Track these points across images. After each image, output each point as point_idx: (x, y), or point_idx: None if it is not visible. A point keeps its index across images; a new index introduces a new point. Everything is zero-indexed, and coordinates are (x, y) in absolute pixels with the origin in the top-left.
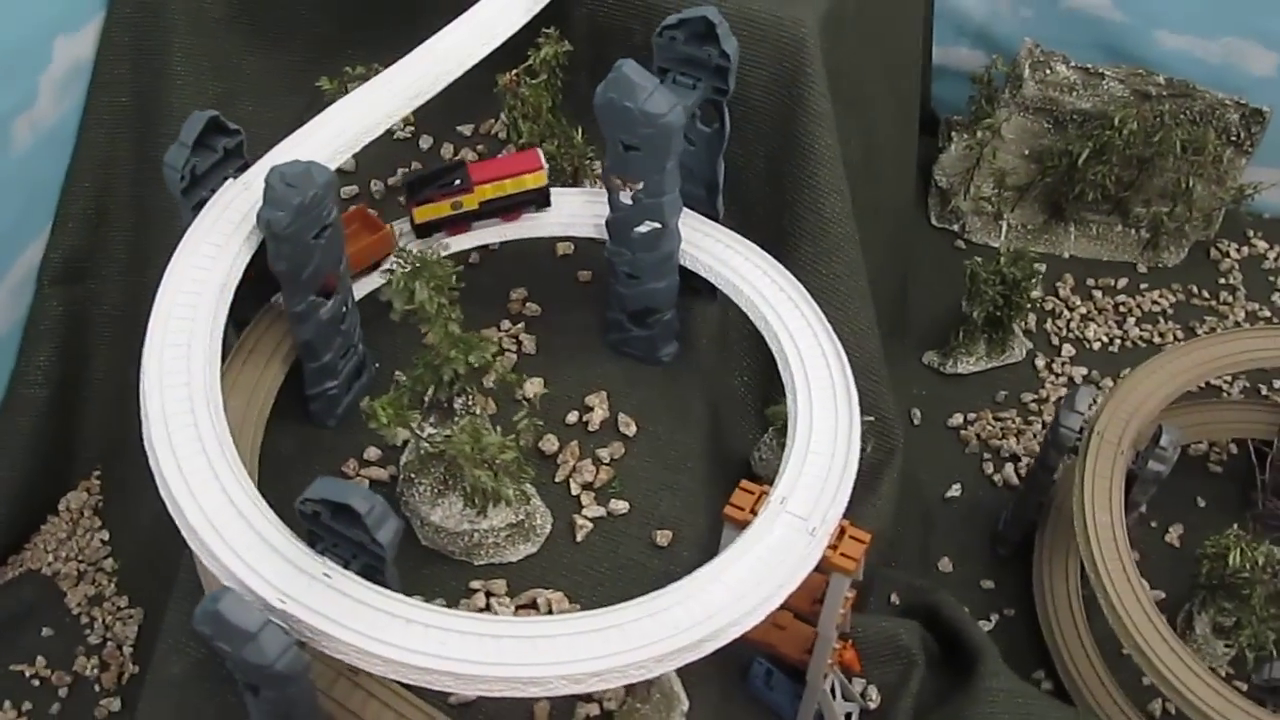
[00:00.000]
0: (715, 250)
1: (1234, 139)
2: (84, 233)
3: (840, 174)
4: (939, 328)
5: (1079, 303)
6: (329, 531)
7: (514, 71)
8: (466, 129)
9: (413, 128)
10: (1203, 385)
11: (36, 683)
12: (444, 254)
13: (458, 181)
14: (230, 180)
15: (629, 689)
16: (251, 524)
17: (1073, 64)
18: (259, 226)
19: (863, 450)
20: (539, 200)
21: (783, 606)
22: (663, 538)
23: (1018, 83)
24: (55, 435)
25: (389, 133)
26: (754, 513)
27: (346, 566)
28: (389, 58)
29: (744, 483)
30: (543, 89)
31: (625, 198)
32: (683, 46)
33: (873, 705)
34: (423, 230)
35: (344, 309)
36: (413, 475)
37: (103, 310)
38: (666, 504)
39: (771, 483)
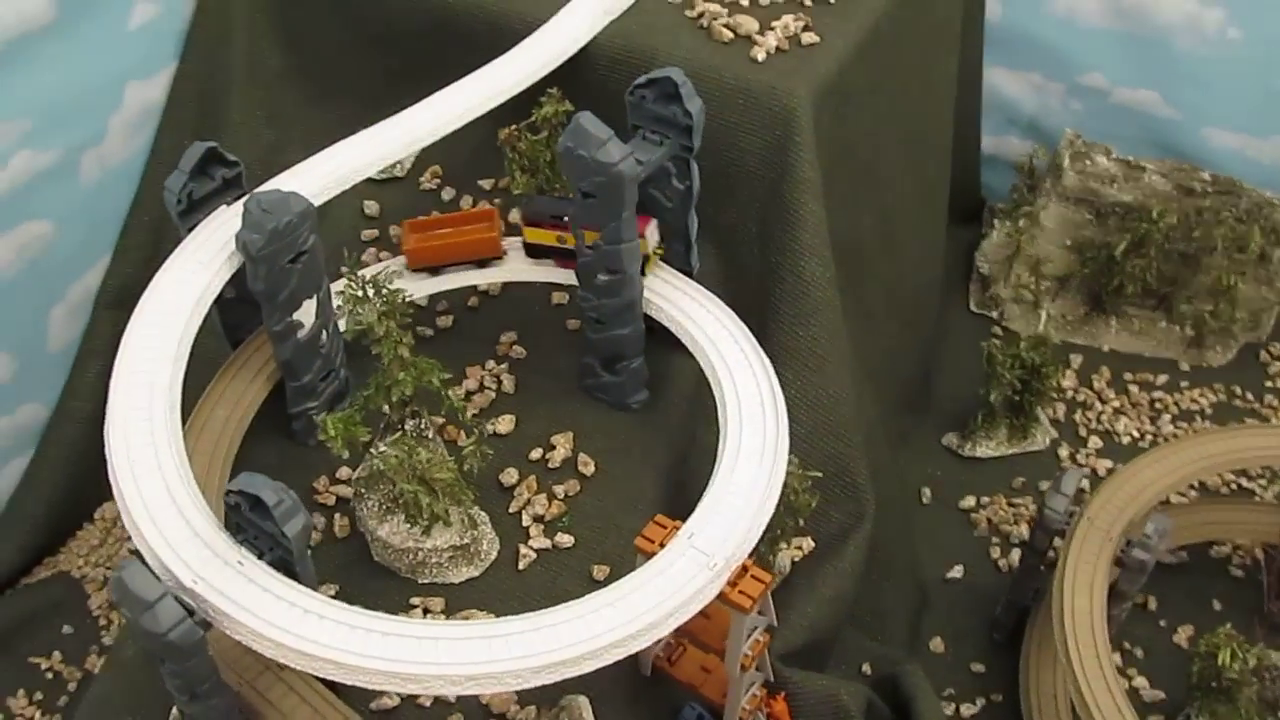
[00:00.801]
0: (676, 299)
1: None
2: (140, 263)
3: (824, 240)
4: (964, 411)
5: (1113, 396)
6: (249, 524)
7: (514, 127)
8: (487, 183)
9: (439, 179)
10: (1234, 486)
11: (50, 675)
12: (398, 282)
13: (567, 219)
14: (224, 207)
15: (540, 711)
16: (182, 510)
17: (1114, 156)
18: (239, 246)
19: (825, 512)
20: None
21: (706, 648)
22: (600, 572)
23: (1058, 172)
24: (97, 448)
25: (416, 182)
26: (662, 545)
27: (261, 557)
28: None
29: (659, 517)
30: (542, 144)
31: (588, 247)
32: (651, 105)
33: None
34: (532, 250)
35: (324, 333)
36: (363, 491)
37: None
38: (611, 541)
39: None
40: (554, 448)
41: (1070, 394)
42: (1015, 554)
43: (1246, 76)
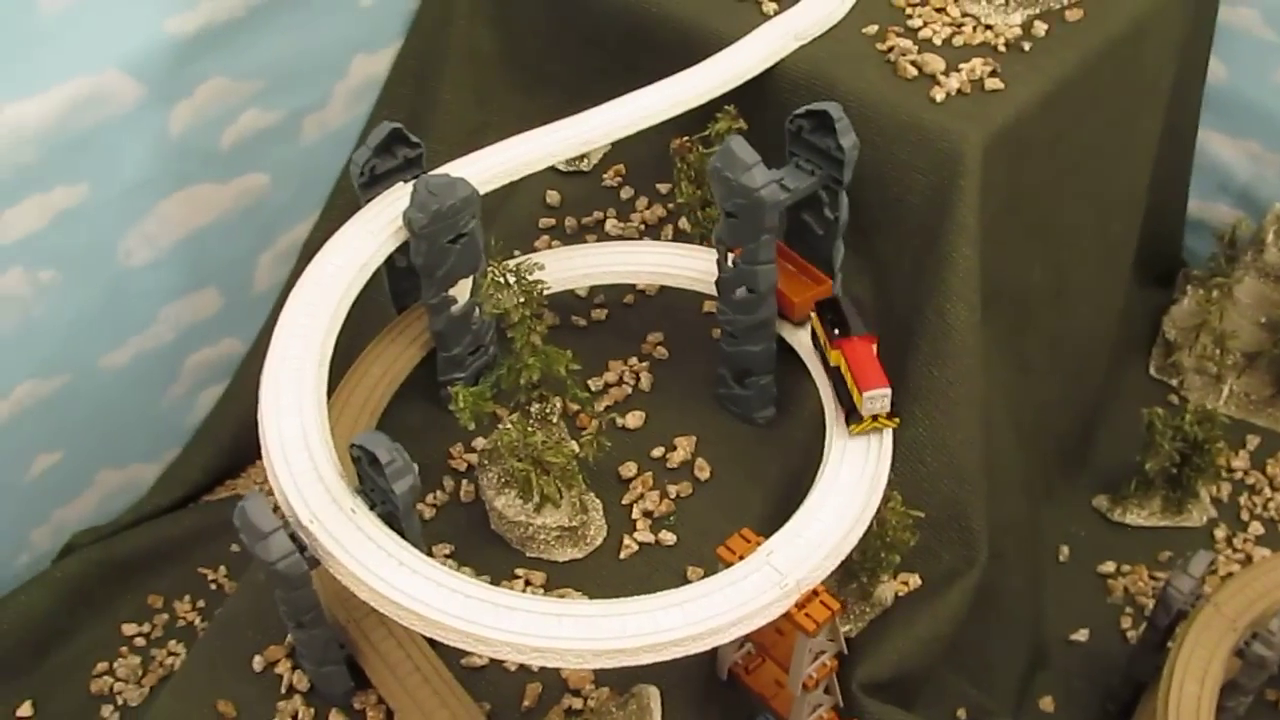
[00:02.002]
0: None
1: None
2: (344, 220)
3: (974, 287)
4: (1123, 476)
5: (1259, 476)
6: (368, 477)
7: (686, 138)
8: (664, 187)
9: (620, 178)
10: None
11: (214, 586)
12: (539, 271)
13: (837, 331)
14: (401, 184)
15: (612, 693)
16: (313, 453)
17: None
18: (405, 222)
19: (936, 553)
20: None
21: (780, 664)
22: (694, 574)
23: (1260, 246)
24: None
25: (599, 178)
26: (741, 557)
27: (372, 509)
28: None
29: (745, 531)
30: (709, 158)
31: (728, 262)
32: (809, 135)
33: None
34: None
35: (476, 310)
36: (485, 462)
37: None
38: (710, 546)
39: None
40: (675, 449)
41: (1240, 475)
42: (1140, 627)
43: None
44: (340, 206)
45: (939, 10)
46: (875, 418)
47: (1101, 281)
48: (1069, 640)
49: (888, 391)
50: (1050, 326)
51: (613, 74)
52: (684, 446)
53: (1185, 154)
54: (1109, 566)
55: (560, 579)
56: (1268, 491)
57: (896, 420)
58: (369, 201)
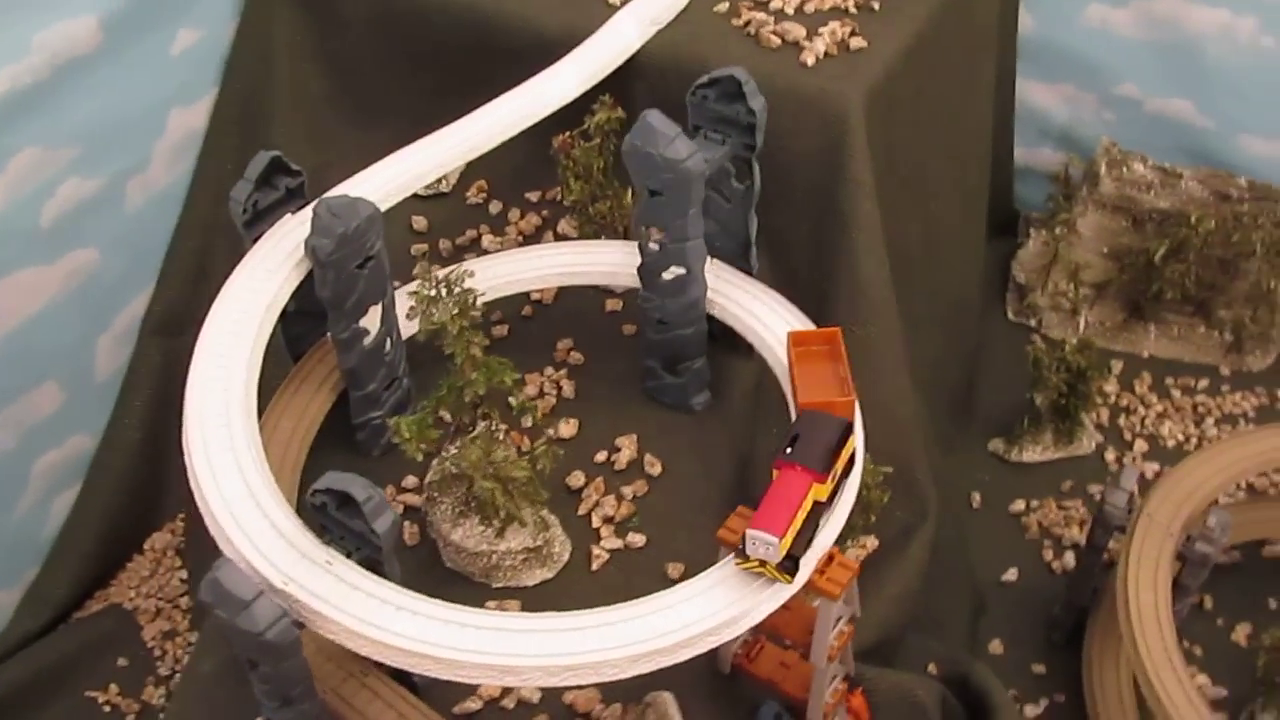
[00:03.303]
0: (739, 298)
1: None
2: (185, 289)
3: (879, 241)
4: (1008, 418)
5: (1155, 401)
6: (336, 524)
7: (568, 134)
8: (534, 195)
9: (485, 193)
10: None
11: (108, 709)
12: (468, 282)
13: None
14: (289, 215)
15: (625, 708)
16: (266, 513)
17: (1150, 163)
18: (306, 253)
19: (890, 512)
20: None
21: (785, 644)
22: (674, 570)
23: (1095, 180)
24: (146, 477)
25: (462, 197)
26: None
27: (349, 557)
28: None
29: (741, 508)
30: (594, 152)
31: (653, 244)
32: (713, 105)
33: None
34: None
35: (388, 341)
36: (435, 495)
37: None
38: (682, 540)
39: None
40: (619, 450)
41: (1113, 399)
42: (1069, 556)
43: None
44: (178, 274)
45: None
46: (764, 564)
47: (965, 232)
48: (1000, 582)
49: (775, 542)
50: (928, 279)
51: (459, 92)
52: (627, 446)
53: (1009, 103)
54: (1019, 505)
55: (535, 603)
56: (1141, 410)
57: (790, 579)
58: (255, 240)
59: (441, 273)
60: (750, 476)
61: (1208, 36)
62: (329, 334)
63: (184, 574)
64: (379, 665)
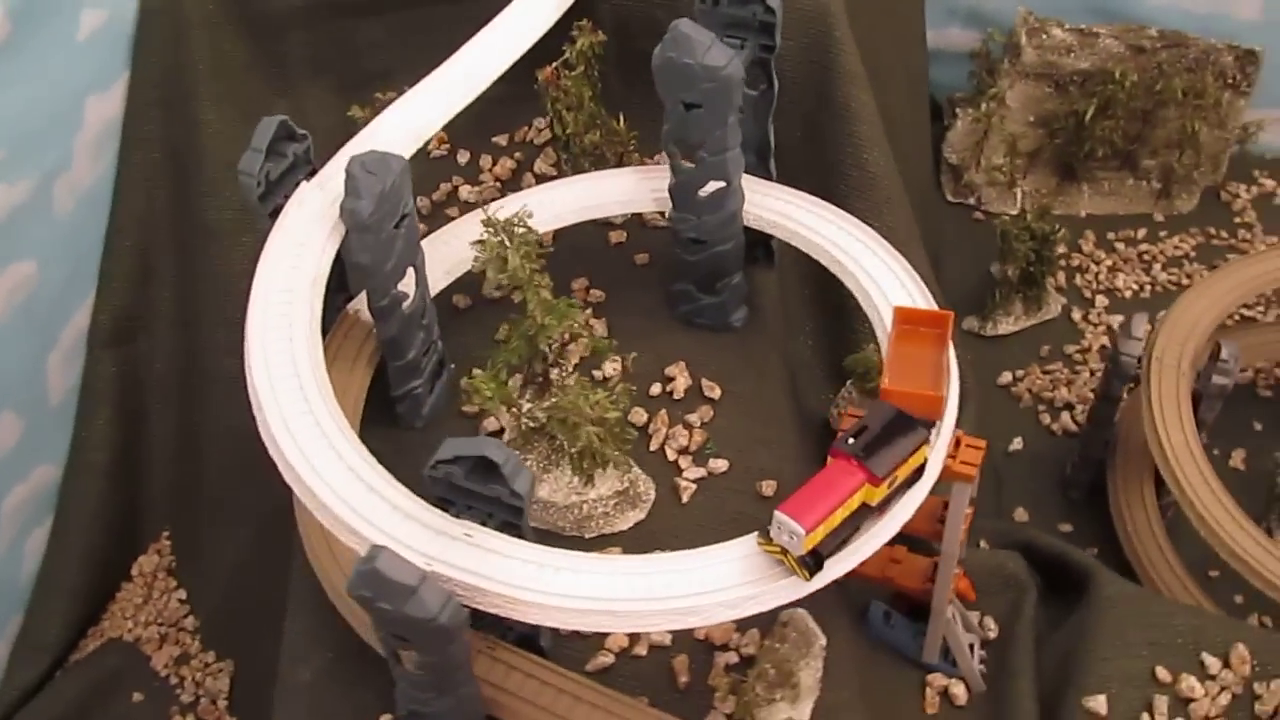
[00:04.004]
0: (777, 206)
1: (1230, 82)
2: (130, 292)
3: (880, 129)
4: (973, 296)
5: (1104, 256)
6: (462, 493)
7: (552, 66)
8: (502, 139)
9: (448, 145)
10: (1238, 316)
11: None
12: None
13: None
14: (304, 183)
15: (764, 632)
16: (385, 498)
17: (1067, 27)
18: (342, 218)
19: None
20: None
21: (901, 537)
22: (767, 488)
23: (1016, 51)
24: (121, 499)
25: (425, 152)
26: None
27: (483, 525)
28: (412, 83)
29: (850, 409)
30: (582, 80)
31: (685, 161)
32: (727, 9)
33: (992, 634)
34: None
35: (424, 303)
36: (519, 451)
37: (155, 369)
38: (764, 457)
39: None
40: (672, 379)
41: (1064, 261)
42: (1065, 417)
43: None
44: (120, 276)
45: None
46: (785, 552)
47: (914, 116)
48: (1009, 453)
49: (800, 534)
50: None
51: (395, 44)
52: (679, 374)
53: None
54: (1006, 377)
55: (637, 545)
56: (1093, 267)
57: (808, 577)
58: (271, 214)
59: (501, 214)
60: (804, 385)
61: None
62: (369, 304)
63: (182, 594)
64: (502, 635)
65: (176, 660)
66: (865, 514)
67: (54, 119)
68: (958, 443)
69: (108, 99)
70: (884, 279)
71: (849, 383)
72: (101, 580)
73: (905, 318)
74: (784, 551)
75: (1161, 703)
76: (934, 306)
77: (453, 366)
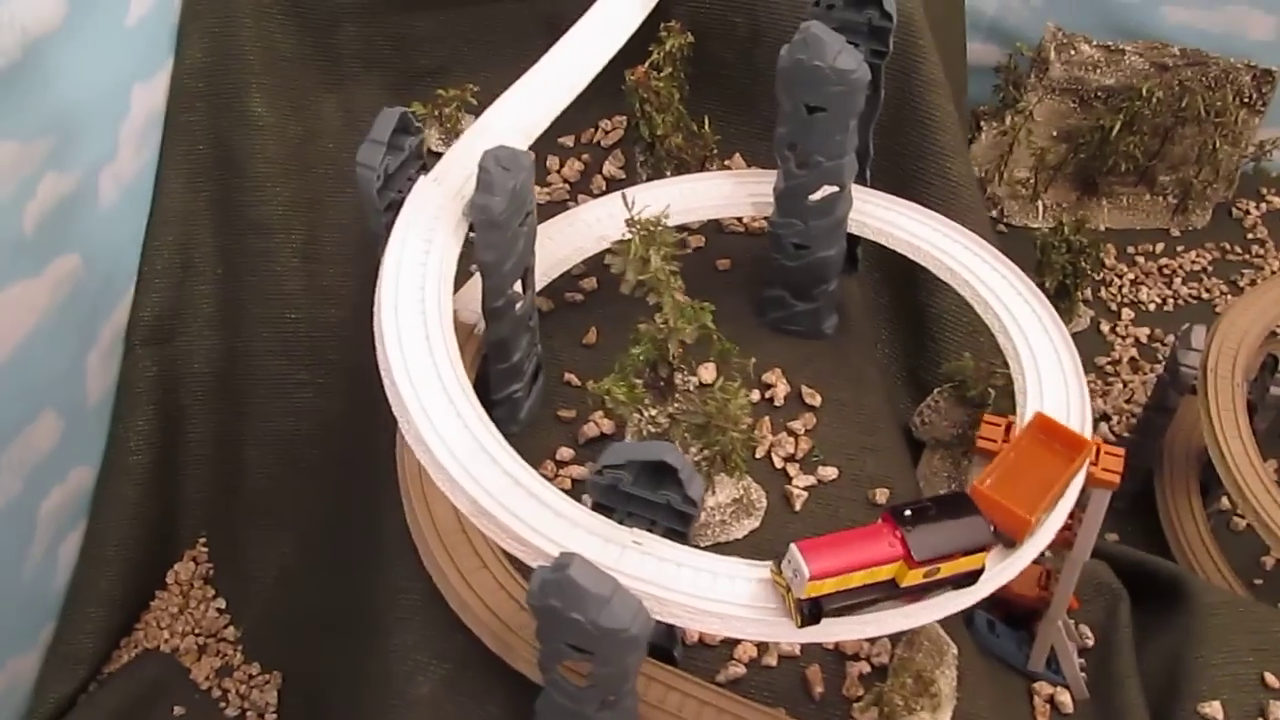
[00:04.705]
0: (879, 213)
1: (1246, 100)
2: (171, 289)
3: (960, 138)
4: None
5: (1126, 270)
6: (626, 499)
7: (642, 68)
8: (568, 140)
9: None
10: None
11: None
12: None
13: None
14: (422, 178)
15: (895, 641)
16: (545, 501)
17: (1095, 43)
18: (472, 215)
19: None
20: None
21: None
22: (880, 495)
23: (1044, 66)
24: (158, 503)
25: None
26: (1008, 442)
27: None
28: (467, 81)
29: (987, 415)
30: (671, 81)
31: (797, 165)
32: (840, 12)
33: (1089, 642)
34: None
35: (532, 305)
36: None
37: (194, 369)
38: (872, 464)
39: (945, 442)
40: (771, 385)
41: (1089, 274)
42: (1102, 427)
43: None
44: (160, 274)
45: None
46: (789, 589)
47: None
48: None
49: (804, 575)
50: None
51: (455, 38)
52: (778, 381)
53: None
54: None
55: (753, 554)
56: (1116, 280)
57: (799, 623)
58: (385, 207)
59: (639, 214)
60: (899, 391)
61: None
62: (484, 305)
63: (220, 603)
64: None
65: (218, 672)
66: (892, 591)
67: (103, 107)
68: (1097, 451)
69: (152, 87)
70: (1026, 321)
71: (936, 391)
72: (136, 588)
73: (1044, 427)
74: (787, 589)
75: (1276, 708)
76: (1039, 296)
77: None
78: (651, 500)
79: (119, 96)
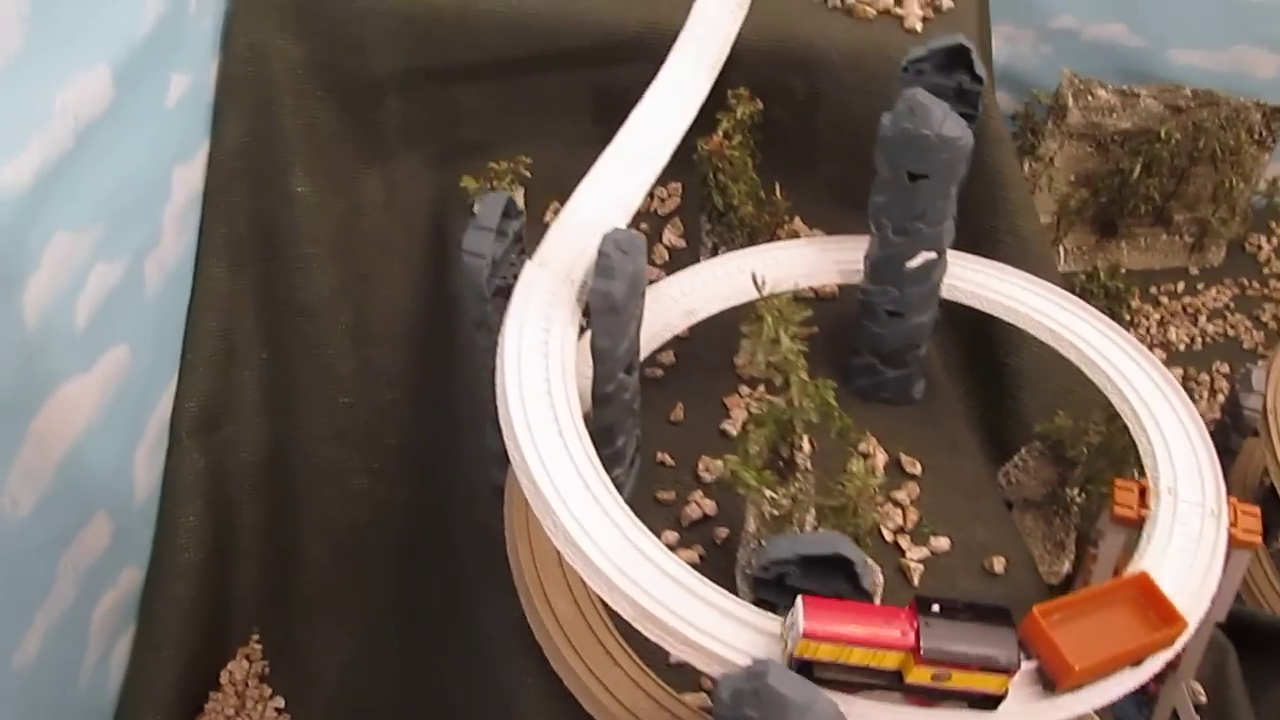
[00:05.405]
0: (971, 275)
1: (1257, 138)
2: (215, 376)
3: (1028, 195)
4: None
5: (1151, 310)
6: (790, 593)
7: (717, 136)
8: (666, 197)
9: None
10: None
11: None
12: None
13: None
14: (528, 262)
15: None
16: (717, 606)
17: (1110, 87)
18: (592, 300)
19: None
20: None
21: None
22: (997, 564)
23: (1062, 112)
24: (209, 600)
25: (540, 222)
26: (1145, 508)
27: None
28: (514, 154)
29: (1119, 481)
30: (744, 149)
31: (894, 233)
32: (930, 77)
33: (1202, 699)
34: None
35: (637, 386)
36: (762, 543)
37: (242, 458)
38: (982, 533)
39: (1035, 502)
40: (869, 455)
41: (1127, 320)
42: None
43: None
44: (205, 361)
45: None
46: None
47: None
48: None
49: (799, 631)
50: None
51: (504, 109)
52: (876, 450)
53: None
54: None
55: None
56: (1144, 321)
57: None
58: (493, 295)
59: (769, 292)
60: (996, 454)
61: None
62: (595, 390)
63: (279, 702)
64: None
65: None
66: (894, 681)
67: (146, 191)
68: (1234, 509)
69: (192, 168)
70: (1142, 385)
71: (1024, 449)
72: (192, 690)
73: (1143, 587)
74: (783, 638)
75: None
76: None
77: None
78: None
79: (161, 179)
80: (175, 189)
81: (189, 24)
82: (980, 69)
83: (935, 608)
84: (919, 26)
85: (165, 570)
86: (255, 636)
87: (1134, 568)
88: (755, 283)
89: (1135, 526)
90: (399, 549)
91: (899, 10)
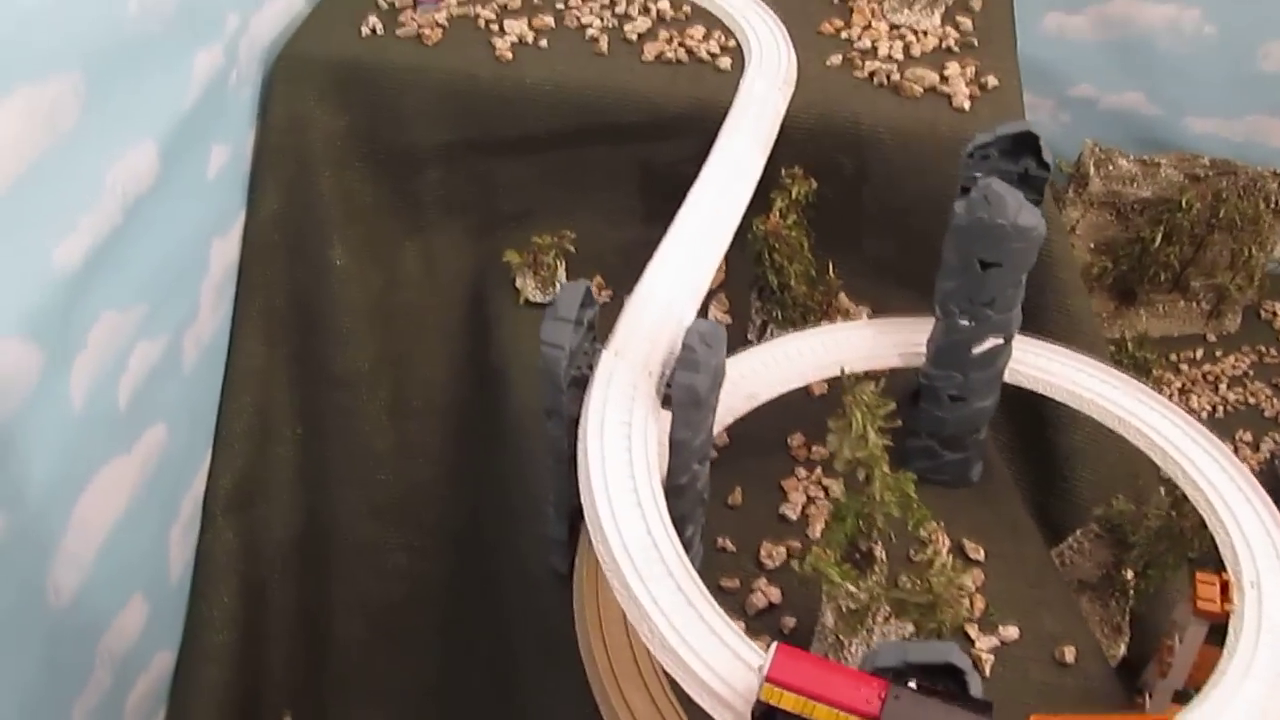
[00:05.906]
0: (1034, 360)
1: (1274, 206)
2: (249, 452)
3: (1078, 273)
4: None
5: (1173, 379)
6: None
7: (775, 215)
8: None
9: (609, 291)
10: None
11: None
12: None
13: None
14: (604, 352)
15: None
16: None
17: (1131, 157)
18: (676, 393)
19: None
20: None
21: None
22: (1068, 654)
23: (1083, 181)
24: (241, 683)
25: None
26: (1229, 602)
27: None
28: (555, 226)
29: (1200, 574)
30: (799, 228)
31: (965, 319)
32: (997, 161)
33: None
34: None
35: (708, 476)
36: (840, 637)
37: (276, 536)
38: (1050, 620)
39: (1091, 584)
40: (930, 542)
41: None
42: None
43: (1220, 66)
44: (239, 437)
45: (866, 28)
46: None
47: None
48: None
49: (764, 673)
50: None
51: (547, 183)
52: (938, 535)
53: None
54: None
55: None
56: (1166, 390)
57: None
58: (570, 383)
59: (853, 387)
60: (1050, 536)
61: (1157, 31)
62: (668, 481)
63: None
64: None
65: None
66: None
67: (186, 266)
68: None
69: (229, 240)
70: (1214, 474)
71: (1080, 531)
72: None
73: None
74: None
75: None
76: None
77: None
78: None
79: (200, 253)
80: (213, 262)
81: (230, 94)
82: (1048, 155)
83: (913, 683)
84: (967, 105)
85: (197, 653)
86: (288, 717)
87: (1223, 667)
88: (843, 377)
89: (1219, 620)
90: (439, 628)
91: (945, 88)
